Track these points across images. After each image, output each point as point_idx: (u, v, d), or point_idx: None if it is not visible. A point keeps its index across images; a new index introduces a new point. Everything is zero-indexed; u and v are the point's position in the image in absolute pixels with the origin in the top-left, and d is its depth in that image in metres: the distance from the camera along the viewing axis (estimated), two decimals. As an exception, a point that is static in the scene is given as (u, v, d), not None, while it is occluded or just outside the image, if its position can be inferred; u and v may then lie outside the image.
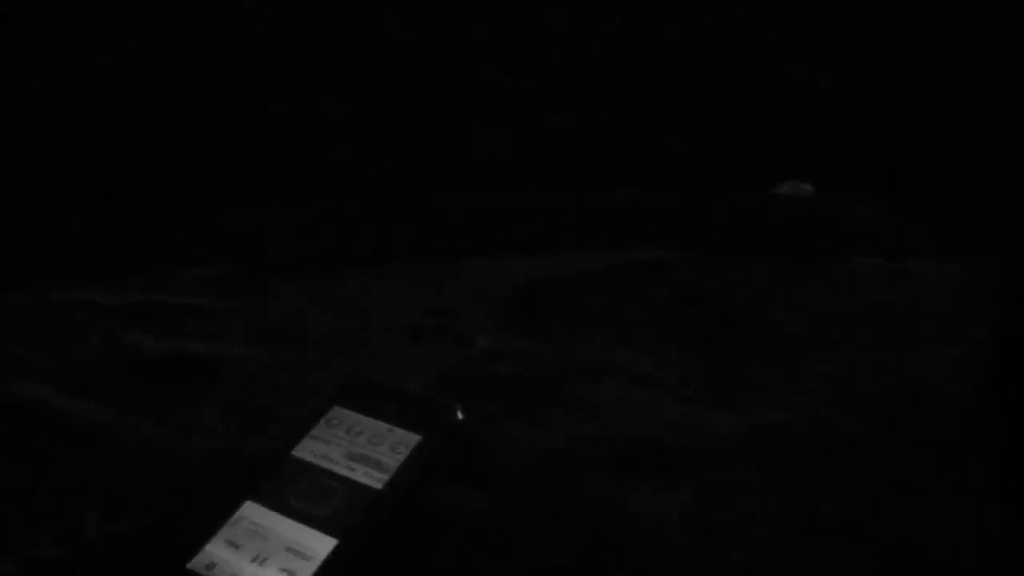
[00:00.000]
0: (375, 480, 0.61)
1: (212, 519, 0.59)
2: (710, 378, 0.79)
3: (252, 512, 0.60)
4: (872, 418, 0.75)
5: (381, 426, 0.65)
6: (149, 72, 1.30)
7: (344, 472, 0.62)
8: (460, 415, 0.66)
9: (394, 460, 0.62)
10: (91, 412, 0.77)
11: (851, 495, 0.69)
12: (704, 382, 0.79)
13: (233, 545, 0.58)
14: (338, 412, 0.67)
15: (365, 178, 1.39)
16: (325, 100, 1.44)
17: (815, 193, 1.49)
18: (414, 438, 0.64)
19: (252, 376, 0.78)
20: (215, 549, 0.58)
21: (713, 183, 1.40)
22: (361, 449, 0.64)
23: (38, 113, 1.18)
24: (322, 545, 0.57)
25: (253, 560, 0.57)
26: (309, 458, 0.63)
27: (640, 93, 1.60)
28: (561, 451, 0.72)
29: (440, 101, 1.52)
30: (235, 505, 0.60)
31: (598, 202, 1.10)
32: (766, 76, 1.52)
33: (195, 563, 0.57)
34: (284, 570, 0.56)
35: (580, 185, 1.31)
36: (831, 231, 0.97)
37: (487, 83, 1.52)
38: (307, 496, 0.61)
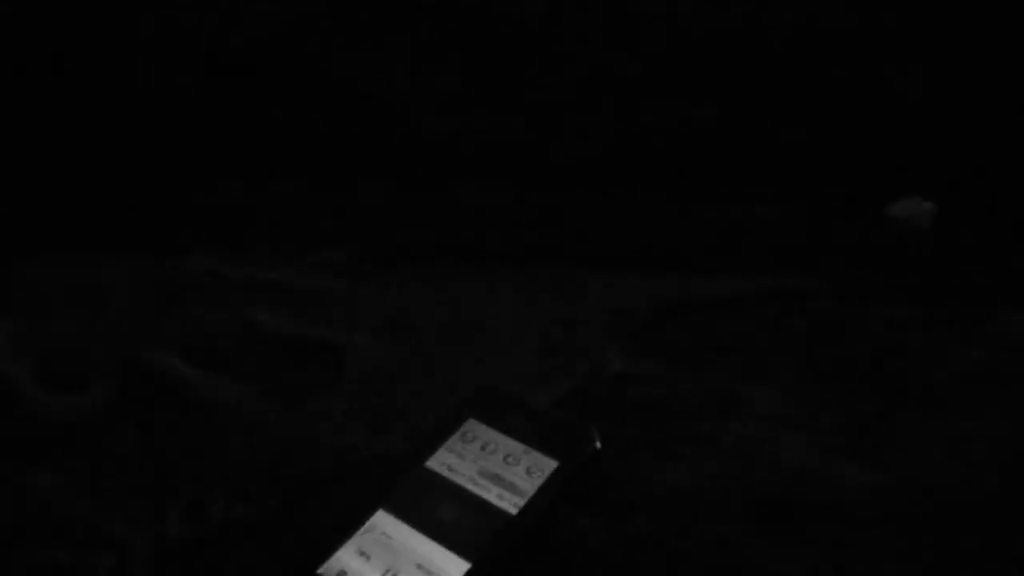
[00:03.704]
0: (510, 504, 0.60)
1: (344, 524, 0.59)
2: (848, 425, 0.75)
3: (384, 522, 0.59)
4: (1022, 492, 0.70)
5: (517, 446, 0.63)
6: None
7: (478, 491, 0.61)
8: (599, 444, 0.64)
9: (530, 485, 0.61)
10: (218, 387, 0.78)
11: (993, 572, 0.65)
12: (842, 429, 0.75)
13: (364, 555, 0.57)
14: (473, 425, 0.65)
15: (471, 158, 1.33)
16: (431, 76, 1.39)
17: (936, 212, 1.40)
18: (551, 463, 0.62)
19: (379, 370, 0.78)
20: (346, 557, 0.57)
21: (828, 195, 1.31)
22: (496, 468, 0.62)
23: (187, 78, 1.19)
24: (455, 567, 0.56)
25: (384, 573, 0.56)
26: (442, 471, 0.62)
27: (750, 89, 1.49)
28: (688, 487, 0.69)
29: (539, 87, 1.45)
30: (368, 513, 0.59)
31: (728, 218, 1.06)
32: (885, 81, 1.42)
33: (326, 569, 0.56)
34: None
35: (687, 192, 1.24)
36: (987, 277, 0.92)
37: (589, 69, 1.46)
38: (439, 512, 0.59)
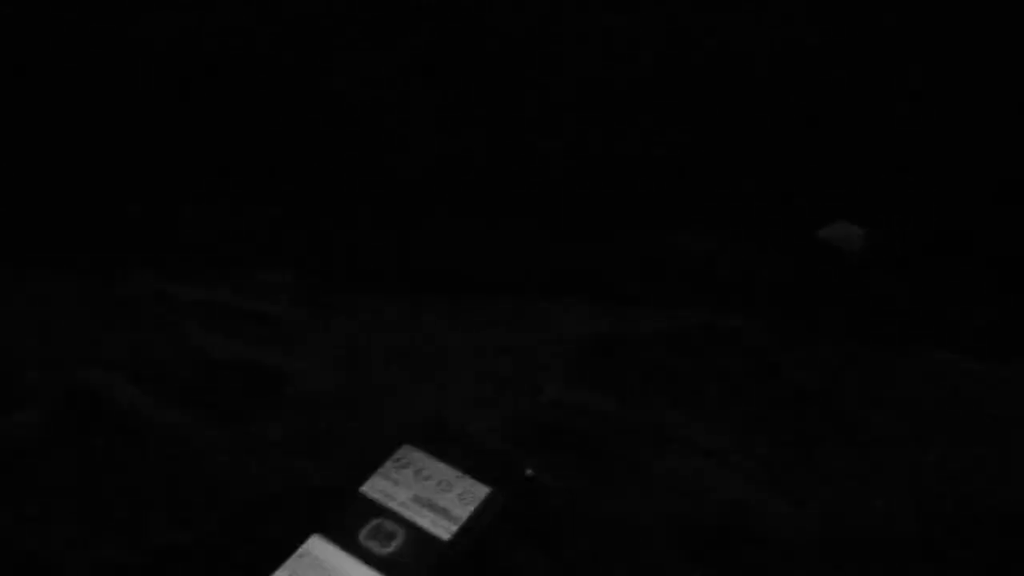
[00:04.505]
0: (442, 529, 0.61)
1: (278, 550, 0.59)
2: (779, 460, 0.78)
3: (317, 547, 0.60)
4: (939, 526, 0.73)
5: (450, 472, 0.65)
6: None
7: (411, 516, 0.62)
8: (531, 472, 0.65)
9: (462, 511, 0.62)
10: (157, 408, 0.78)
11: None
12: (773, 463, 0.77)
13: (297, 580, 0.58)
14: (407, 451, 0.66)
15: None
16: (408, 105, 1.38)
17: (866, 236, 1.42)
18: (483, 490, 0.63)
19: (320, 395, 0.78)
20: (279, 582, 0.58)
21: (763, 221, 1.32)
22: (429, 494, 0.63)
23: (133, 92, 1.18)
24: (387, 593, 0.57)
25: (316, 598, 0.57)
26: (377, 497, 0.63)
27: (705, 122, 1.50)
28: (623, 518, 0.71)
29: (504, 111, 1.45)
30: (301, 538, 0.60)
31: (671, 250, 1.09)
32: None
33: (259, 593, 0.57)
34: None
35: (640, 222, 1.25)
36: (915, 317, 0.95)
37: (544, 95, 1.46)
38: (373, 537, 0.60)
